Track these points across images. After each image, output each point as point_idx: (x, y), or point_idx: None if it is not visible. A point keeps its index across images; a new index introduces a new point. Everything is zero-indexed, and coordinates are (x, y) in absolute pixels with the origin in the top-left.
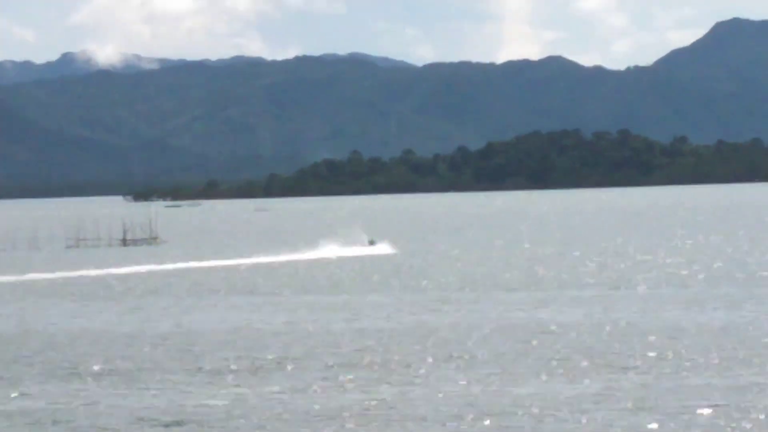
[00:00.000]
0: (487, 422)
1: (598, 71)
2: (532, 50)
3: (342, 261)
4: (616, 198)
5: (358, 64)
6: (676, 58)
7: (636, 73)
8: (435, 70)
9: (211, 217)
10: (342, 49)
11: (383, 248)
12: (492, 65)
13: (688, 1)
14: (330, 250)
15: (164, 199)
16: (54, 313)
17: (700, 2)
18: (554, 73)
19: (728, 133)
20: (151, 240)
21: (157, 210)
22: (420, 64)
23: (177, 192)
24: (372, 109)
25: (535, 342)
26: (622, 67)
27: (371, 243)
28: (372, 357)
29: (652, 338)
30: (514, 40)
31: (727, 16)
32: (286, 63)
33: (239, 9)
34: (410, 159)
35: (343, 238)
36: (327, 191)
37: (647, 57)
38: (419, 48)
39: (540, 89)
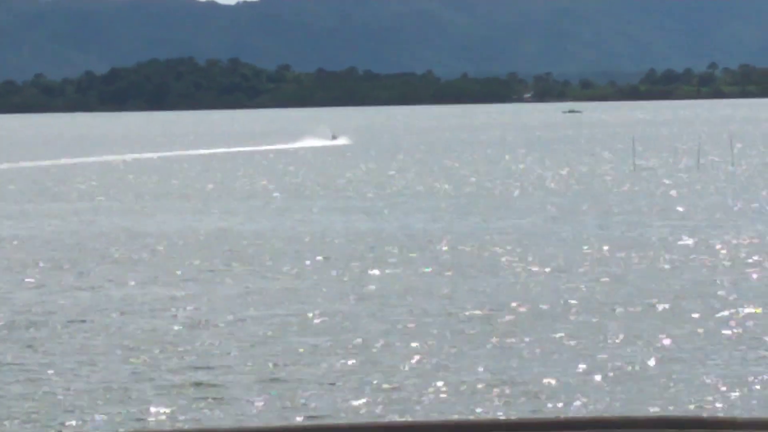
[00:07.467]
0: None
1: (212, 6)
2: None
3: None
4: (227, 118)
5: None
6: None
7: (245, 7)
8: (66, 3)
9: None
10: None
11: (343, 141)
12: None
13: None
14: (305, 143)
15: None
16: None
17: None
18: (172, 7)
19: (327, 62)
20: None
21: None
22: None
23: None
24: (7, 38)
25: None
26: (233, 2)
27: (334, 137)
28: None
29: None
30: None
31: None
32: None
33: None
34: (41, 82)
35: (313, 133)
36: None
37: None
38: None
39: (160, 22)
